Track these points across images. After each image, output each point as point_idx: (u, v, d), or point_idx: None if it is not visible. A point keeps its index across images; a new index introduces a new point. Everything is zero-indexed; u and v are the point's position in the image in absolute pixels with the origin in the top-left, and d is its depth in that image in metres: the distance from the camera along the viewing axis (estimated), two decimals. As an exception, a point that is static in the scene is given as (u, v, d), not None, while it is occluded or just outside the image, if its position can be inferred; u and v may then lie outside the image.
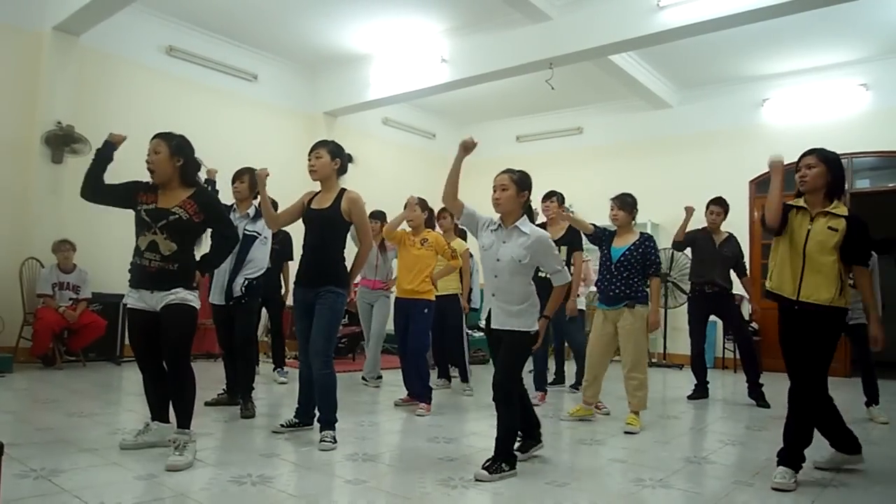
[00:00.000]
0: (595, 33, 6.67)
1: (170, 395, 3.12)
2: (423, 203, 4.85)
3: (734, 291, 5.67)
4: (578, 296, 5.50)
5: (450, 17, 7.36)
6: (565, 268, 3.23)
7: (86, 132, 6.44)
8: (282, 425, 3.72)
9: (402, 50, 8.12)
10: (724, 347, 8.24)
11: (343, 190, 3.63)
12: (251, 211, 4.40)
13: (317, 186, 3.72)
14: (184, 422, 3.02)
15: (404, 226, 4.86)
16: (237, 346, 4.34)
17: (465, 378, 5.63)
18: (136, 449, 3.13)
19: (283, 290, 6.10)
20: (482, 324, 3.46)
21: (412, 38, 7.90)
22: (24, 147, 6.44)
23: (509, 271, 3.08)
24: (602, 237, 4.42)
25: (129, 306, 3.16)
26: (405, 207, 4.76)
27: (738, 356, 8.17)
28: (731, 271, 5.58)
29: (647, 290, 4.36)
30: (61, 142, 6.44)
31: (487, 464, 2.93)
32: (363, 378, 5.81)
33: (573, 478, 3.01)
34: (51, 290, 6.05)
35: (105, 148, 3.22)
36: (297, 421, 3.73)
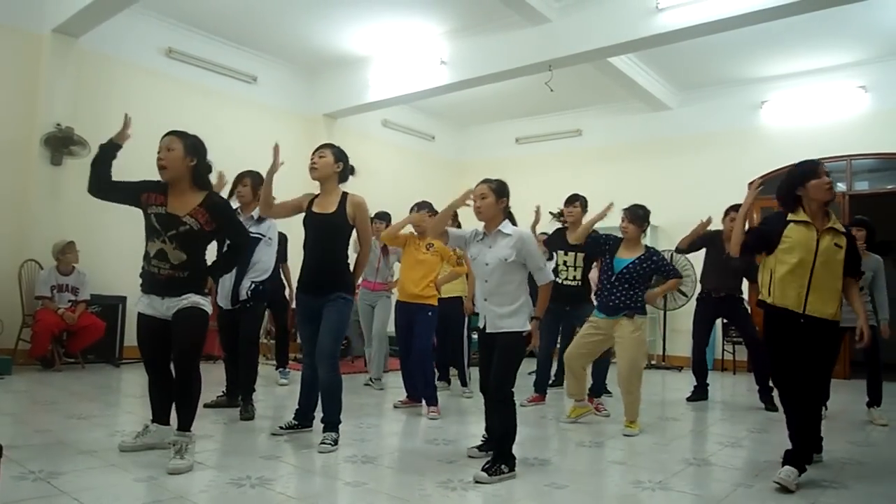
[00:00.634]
0: (594, 35, 6.68)
1: (176, 398, 3.09)
2: (430, 207, 4.78)
3: (743, 295, 5.66)
4: None
5: (449, 20, 7.37)
6: (547, 266, 3.30)
7: (85, 134, 6.45)
8: (281, 427, 3.72)
9: (401, 52, 8.13)
10: (723, 349, 8.24)
11: (346, 194, 3.60)
12: (255, 213, 4.35)
13: (316, 188, 3.69)
14: (186, 424, 3.00)
15: (409, 228, 4.82)
16: (240, 349, 4.32)
17: (464, 382, 5.64)
18: (135, 451, 3.12)
19: (286, 291, 6.09)
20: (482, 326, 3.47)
21: (411, 40, 7.91)
22: (23, 149, 6.44)
23: (499, 272, 3.14)
24: (606, 245, 4.33)
25: (139, 311, 3.14)
26: (410, 212, 4.73)
27: (737, 358, 8.23)
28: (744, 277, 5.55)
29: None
30: (60, 144, 6.43)
31: (486, 466, 2.93)
32: (370, 380, 5.80)
33: (572, 480, 3.01)
34: (49, 292, 6.04)
35: (109, 145, 3.15)
36: (296, 423, 3.72)
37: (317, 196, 3.66)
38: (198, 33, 7.76)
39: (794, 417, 3.09)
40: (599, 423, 4.48)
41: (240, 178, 4.45)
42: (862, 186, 8.12)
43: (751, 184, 3.48)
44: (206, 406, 4.33)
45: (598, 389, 4.98)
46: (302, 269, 3.62)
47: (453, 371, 5.99)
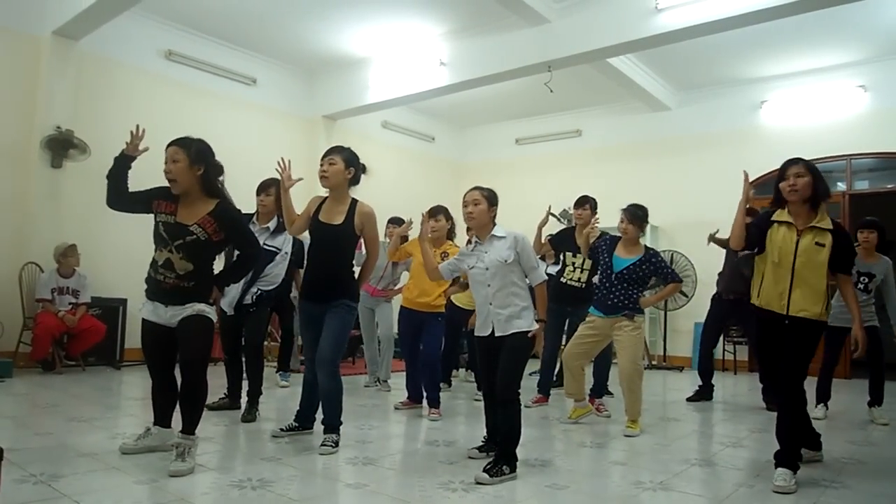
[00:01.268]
0: (593, 36, 6.68)
1: (181, 402, 3.05)
2: (446, 212, 4.64)
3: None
4: None
5: (448, 21, 7.37)
6: (541, 266, 3.30)
7: (85, 137, 6.46)
8: (281, 429, 3.71)
9: (400, 53, 8.14)
10: (724, 349, 8.24)
11: (355, 202, 3.52)
12: (272, 225, 4.25)
13: (317, 190, 3.68)
14: (189, 428, 2.99)
15: (413, 234, 4.76)
16: (246, 353, 4.30)
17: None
18: (136, 453, 3.12)
19: (292, 294, 6.07)
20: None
21: (411, 41, 7.91)
22: (23, 151, 6.44)
23: (500, 274, 3.15)
24: (601, 246, 4.31)
25: (143, 317, 3.12)
26: (422, 223, 4.69)
27: (737, 358, 8.23)
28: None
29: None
30: (60, 146, 6.44)
31: (488, 467, 2.92)
32: (378, 381, 5.81)
33: (573, 480, 3.01)
34: (50, 294, 6.04)
35: (122, 157, 3.13)
36: (296, 425, 3.71)
37: (325, 200, 3.56)
38: (197, 35, 7.77)
39: (784, 417, 3.09)
40: (600, 423, 4.48)
41: (264, 187, 4.28)
42: (862, 186, 8.12)
43: (746, 178, 3.42)
44: (207, 408, 4.31)
45: (600, 390, 4.97)
46: (305, 275, 3.59)
47: (454, 373, 6.01)
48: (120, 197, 3.11)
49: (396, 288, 5.75)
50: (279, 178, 3.65)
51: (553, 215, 5.47)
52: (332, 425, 3.46)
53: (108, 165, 3.16)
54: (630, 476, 3.12)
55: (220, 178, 3.20)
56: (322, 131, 8.93)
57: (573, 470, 3.25)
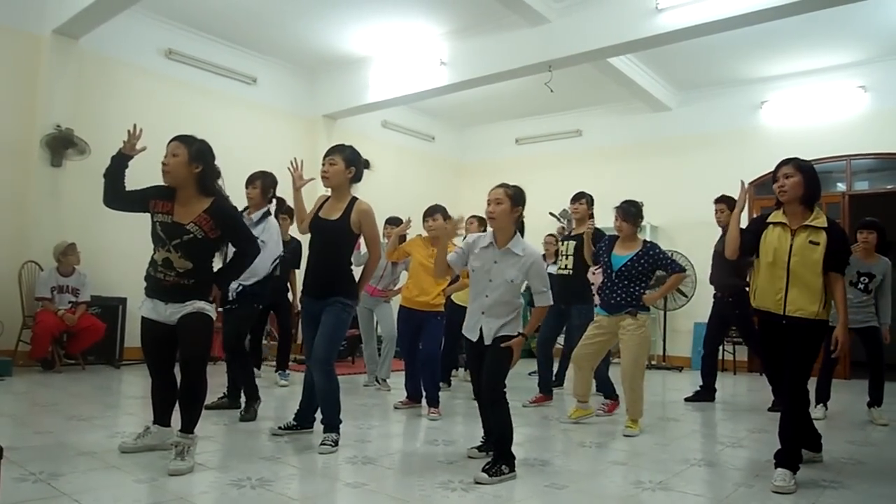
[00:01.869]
0: (593, 36, 6.68)
1: (181, 401, 3.05)
2: (444, 212, 4.65)
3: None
4: None
5: (449, 20, 7.37)
6: (549, 291, 3.22)
7: (85, 135, 6.46)
8: (280, 428, 3.71)
9: (401, 53, 8.13)
10: (723, 349, 8.23)
11: (354, 200, 3.54)
12: (255, 216, 4.29)
13: (318, 190, 3.69)
14: (189, 427, 2.98)
15: (412, 234, 4.77)
16: (225, 353, 4.27)
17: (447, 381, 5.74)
18: (135, 452, 3.12)
19: (290, 295, 6.08)
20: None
21: (411, 40, 7.91)
22: (23, 150, 6.44)
23: (501, 291, 3.12)
24: (601, 247, 4.33)
25: (142, 315, 3.12)
26: (423, 219, 4.69)
27: (737, 358, 8.24)
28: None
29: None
30: (60, 145, 6.43)
31: (487, 466, 2.93)
32: (378, 380, 5.80)
33: (573, 480, 3.01)
34: (50, 293, 6.04)
35: (119, 156, 3.13)
36: (295, 424, 3.72)
37: (328, 199, 3.62)
38: (197, 34, 7.76)
39: (788, 418, 3.09)
40: (600, 423, 4.48)
41: (251, 180, 4.37)
42: (862, 186, 8.12)
43: (742, 183, 3.42)
44: (206, 408, 4.30)
45: (608, 390, 4.96)
46: (306, 272, 3.61)
47: (453, 372, 6.01)
48: (117, 196, 3.11)
49: (396, 288, 5.76)
50: (271, 172, 3.70)
51: (553, 215, 5.47)
52: (332, 424, 3.46)
53: (108, 164, 3.16)
54: (630, 476, 3.13)
55: (219, 182, 3.20)
56: (322, 130, 8.93)
57: (573, 470, 3.25)
